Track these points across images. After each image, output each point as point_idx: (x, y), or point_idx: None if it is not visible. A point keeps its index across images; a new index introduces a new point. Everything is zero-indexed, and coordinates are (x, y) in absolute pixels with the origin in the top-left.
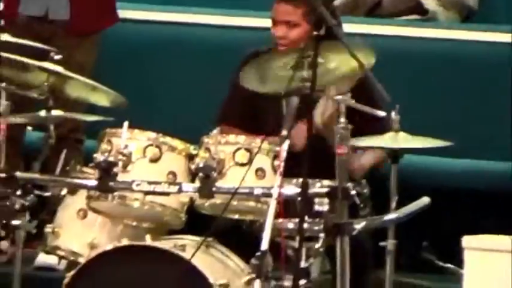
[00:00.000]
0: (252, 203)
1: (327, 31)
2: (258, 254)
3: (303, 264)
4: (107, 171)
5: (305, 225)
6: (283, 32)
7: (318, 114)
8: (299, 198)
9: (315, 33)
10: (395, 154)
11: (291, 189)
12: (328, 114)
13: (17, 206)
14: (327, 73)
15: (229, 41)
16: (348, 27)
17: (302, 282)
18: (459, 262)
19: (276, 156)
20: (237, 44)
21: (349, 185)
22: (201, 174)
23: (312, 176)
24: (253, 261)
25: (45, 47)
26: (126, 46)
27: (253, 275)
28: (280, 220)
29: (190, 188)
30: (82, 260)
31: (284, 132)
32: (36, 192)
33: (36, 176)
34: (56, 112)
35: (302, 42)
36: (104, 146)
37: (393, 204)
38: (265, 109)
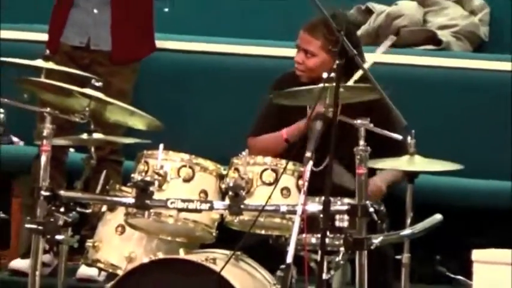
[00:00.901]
0: (277, 220)
1: (348, 61)
2: (283, 266)
3: (324, 276)
4: (143, 190)
5: (327, 240)
6: (301, 58)
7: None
8: (321, 215)
9: (337, 62)
10: (411, 175)
11: (314, 206)
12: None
13: (61, 222)
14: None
15: (255, 69)
16: (368, 56)
17: None
18: (469, 274)
19: (300, 176)
20: (262, 71)
21: (368, 203)
22: (230, 192)
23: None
24: (278, 273)
25: (87, 74)
26: (162, 74)
27: (279, 286)
28: (304, 235)
29: (221, 205)
30: (120, 272)
31: (308, 154)
32: (78, 209)
33: (78, 194)
34: (96, 135)
35: (321, 71)
36: (141, 166)
37: (408, 221)
38: (293, 117)
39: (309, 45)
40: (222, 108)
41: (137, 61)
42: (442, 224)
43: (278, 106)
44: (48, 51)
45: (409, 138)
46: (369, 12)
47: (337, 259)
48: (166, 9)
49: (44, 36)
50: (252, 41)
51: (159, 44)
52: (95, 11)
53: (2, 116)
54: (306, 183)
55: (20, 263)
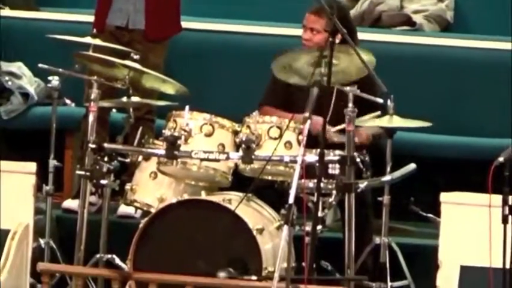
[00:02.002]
0: (281, 168)
1: (341, 39)
2: (286, 206)
3: (319, 214)
4: (172, 143)
5: (322, 185)
6: (309, 36)
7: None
8: (317, 164)
9: (330, 39)
10: (390, 131)
11: (311, 157)
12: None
13: (105, 169)
14: (340, 71)
15: (266, 45)
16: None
17: (319, 227)
18: (438, 213)
19: (300, 133)
20: (272, 47)
21: (355, 154)
22: (243, 145)
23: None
24: (282, 211)
25: (127, 49)
26: (188, 49)
27: (282, 222)
28: (303, 180)
29: (236, 156)
30: (153, 210)
31: (306, 114)
32: (119, 159)
33: (119, 146)
34: (134, 98)
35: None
36: (171, 124)
37: (388, 169)
38: (296, 94)
39: (315, 24)
40: (237, 77)
41: (167, 39)
42: (416, 171)
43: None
44: (95, 31)
45: (389, 101)
46: None
47: (330, 200)
48: None
49: (91, 18)
50: (262, 22)
51: (185, 24)
52: None
53: (57, 82)
54: (305, 138)
55: (71, 203)
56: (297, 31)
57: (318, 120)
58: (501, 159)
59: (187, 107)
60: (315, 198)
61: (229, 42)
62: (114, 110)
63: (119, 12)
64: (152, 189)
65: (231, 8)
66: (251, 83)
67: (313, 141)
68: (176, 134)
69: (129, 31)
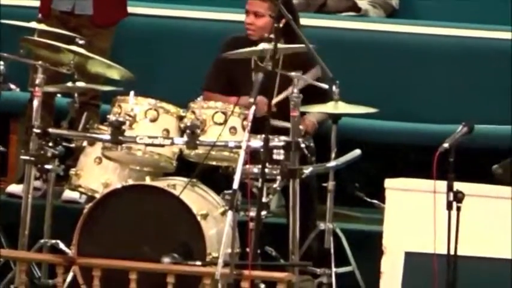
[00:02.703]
0: (226, 153)
1: (285, 24)
2: (231, 191)
3: (264, 199)
4: (117, 128)
5: (266, 170)
6: (252, 20)
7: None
8: (262, 150)
9: (275, 25)
10: (335, 117)
11: (256, 142)
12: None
13: (49, 154)
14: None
15: (211, 31)
16: (301, 21)
17: (263, 213)
18: (383, 199)
19: (245, 118)
20: (217, 33)
21: (300, 140)
22: (188, 131)
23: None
24: (226, 197)
25: (73, 34)
26: (134, 34)
27: (227, 207)
28: (248, 166)
29: (180, 141)
30: (98, 195)
31: (251, 100)
32: (64, 144)
33: (64, 131)
34: (79, 83)
35: (266, 32)
36: (116, 109)
37: (333, 155)
38: (238, 80)
39: (258, 7)
40: (182, 62)
41: (114, 24)
42: (361, 157)
43: (225, 62)
44: (40, 15)
45: (334, 87)
46: None
47: (274, 186)
48: None
49: (37, 3)
50: (207, 7)
51: (131, 9)
52: None
53: (2, 67)
54: (249, 124)
55: (15, 188)
56: (242, 16)
57: (263, 100)
58: (446, 145)
59: (132, 92)
60: (259, 184)
61: (174, 27)
62: (59, 95)
63: None
64: (97, 175)
65: None
66: (196, 68)
67: (258, 126)
68: (121, 119)
69: (76, 16)
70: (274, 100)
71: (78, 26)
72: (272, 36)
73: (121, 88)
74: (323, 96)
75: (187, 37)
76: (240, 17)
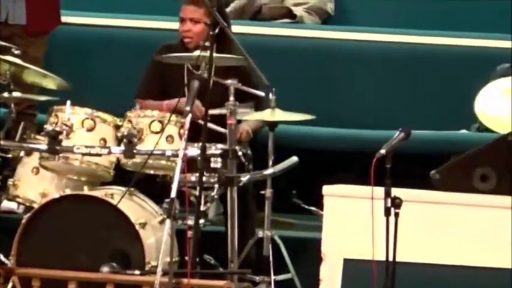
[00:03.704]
0: (163, 162)
1: (220, 31)
2: (168, 200)
3: (202, 207)
4: (54, 138)
5: (204, 178)
6: (189, 27)
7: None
8: (199, 158)
9: (211, 33)
10: (272, 125)
11: (193, 151)
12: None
13: None
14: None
15: (145, 39)
16: (236, 29)
17: (201, 221)
18: (321, 206)
19: (181, 126)
20: (151, 41)
21: (237, 147)
22: (125, 140)
23: (209, 140)
24: (164, 205)
25: (7, 44)
26: (68, 44)
27: (165, 216)
28: (185, 174)
29: (117, 150)
30: (36, 205)
31: (187, 108)
32: (1, 154)
33: (1, 142)
34: (15, 93)
35: (202, 39)
36: (52, 119)
37: (270, 162)
38: (171, 86)
39: (194, 13)
40: (117, 71)
41: (47, 33)
42: (298, 164)
43: (159, 69)
44: None
45: (270, 94)
46: None
47: (212, 194)
48: None
49: None
50: (139, 16)
51: (64, 19)
52: None
53: None
54: (186, 132)
55: None
56: (175, 24)
57: (199, 106)
58: (383, 151)
59: (68, 102)
60: (197, 192)
61: (107, 36)
62: None
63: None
64: (34, 185)
65: (109, 2)
66: (131, 77)
67: (195, 134)
68: (58, 128)
69: (8, 25)
70: (214, 111)
71: (11, 35)
72: (207, 43)
73: (57, 98)
74: (259, 104)
75: (122, 46)
76: (173, 25)
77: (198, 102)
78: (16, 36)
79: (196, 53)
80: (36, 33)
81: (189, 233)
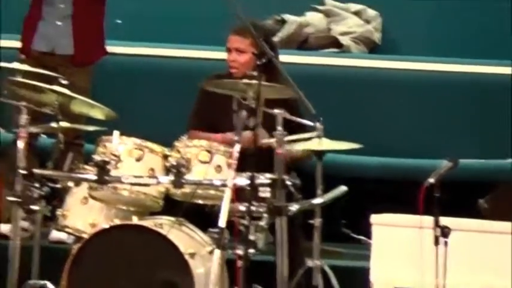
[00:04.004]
0: (212, 191)
1: (267, 61)
2: (218, 229)
3: (251, 237)
4: (102, 168)
5: (253, 208)
6: (234, 57)
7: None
8: (248, 187)
9: (258, 62)
10: (319, 154)
11: (242, 180)
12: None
13: (36, 195)
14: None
15: (193, 68)
16: (283, 58)
17: (251, 251)
18: (369, 235)
19: (230, 156)
20: (199, 71)
21: (286, 177)
22: (173, 169)
23: (258, 170)
24: (214, 235)
25: (54, 74)
26: (117, 73)
27: (214, 246)
28: (234, 204)
29: (166, 180)
30: (85, 236)
31: (236, 138)
32: (50, 184)
33: (50, 172)
34: (63, 123)
35: (249, 69)
36: (100, 149)
37: (319, 191)
38: (222, 117)
39: (240, 44)
40: (165, 101)
41: (93, 64)
42: (347, 193)
43: (208, 99)
44: (21, 56)
45: (317, 124)
46: (283, 21)
47: (261, 223)
48: (119, 21)
49: (17, 44)
50: (188, 45)
51: (111, 49)
52: (58, 23)
53: None
54: (235, 162)
55: (2, 227)
56: (223, 54)
57: (248, 134)
58: (431, 180)
59: (116, 132)
60: (246, 222)
61: (156, 66)
62: (43, 136)
63: (44, 38)
64: (83, 215)
65: (156, 32)
66: (179, 106)
67: (244, 164)
68: (106, 158)
69: (55, 56)
70: (264, 141)
71: (58, 66)
72: (254, 73)
73: (105, 128)
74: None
75: (169, 75)
76: (221, 55)
77: (247, 133)
78: (62, 66)
79: (244, 82)
80: (82, 63)
81: (239, 263)
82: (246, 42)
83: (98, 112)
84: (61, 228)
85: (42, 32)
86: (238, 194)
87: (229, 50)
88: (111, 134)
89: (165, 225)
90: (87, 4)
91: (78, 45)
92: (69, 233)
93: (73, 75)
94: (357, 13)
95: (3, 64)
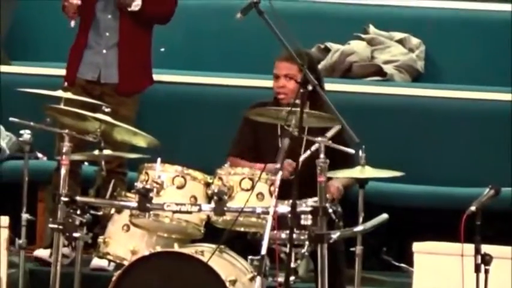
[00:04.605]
0: (254, 219)
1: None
2: (259, 257)
3: (292, 265)
4: (145, 195)
5: (294, 235)
6: (283, 83)
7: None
8: (289, 215)
9: (302, 90)
10: (362, 182)
11: (283, 208)
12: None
13: (77, 222)
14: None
15: (236, 96)
16: (327, 86)
17: (292, 278)
18: (411, 262)
19: (272, 184)
20: (241, 99)
21: (327, 205)
22: (215, 197)
23: (300, 197)
24: (255, 262)
25: (98, 102)
26: (159, 101)
27: (255, 273)
28: (275, 231)
29: (208, 208)
30: (126, 263)
31: (278, 166)
32: (92, 211)
33: (92, 199)
34: (106, 151)
35: (293, 94)
36: (143, 176)
37: (360, 219)
38: (264, 145)
39: (289, 70)
40: (208, 128)
41: (138, 93)
42: (388, 221)
43: (251, 127)
44: (66, 84)
45: (360, 152)
46: (327, 50)
47: (302, 251)
48: (162, 49)
49: (62, 72)
50: (231, 74)
51: (156, 77)
52: (104, 51)
53: (29, 136)
54: (277, 189)
55: (42, 252)
56: (265, 82)
57: (289, 161)
58: (473, 208)
59: (159, 160)
60: (287, 249)
61: (198, 94)
62: (85, 163)
63: (90, 66)
64: (125, 242)
65: (199, 60)
66: (222, 134)
67: (285, 191)
68: (148, 186)
69: (100, 85)
70: (301, 157)
71: (103, 94)
72: (298, 101)
73: (147, 155)
74: (349, 161)
75: (212, 103)
76: (263, 82)
77: (289, 161)
78: (107, 95)
79: (286, 110)
80: (127, 92)
81: None
82: (295, 69)
83: (141, 140)
84: (102, 256)
85: (88, 60)
86: (280, 221)
87: (277, 77)
88: (153, 161)
89: (206, 253)
90: (133, 33)
91: (123, 75)
92: (110, 260)
93: (118, 103)
94: (400, 41)
95: (48, 92)
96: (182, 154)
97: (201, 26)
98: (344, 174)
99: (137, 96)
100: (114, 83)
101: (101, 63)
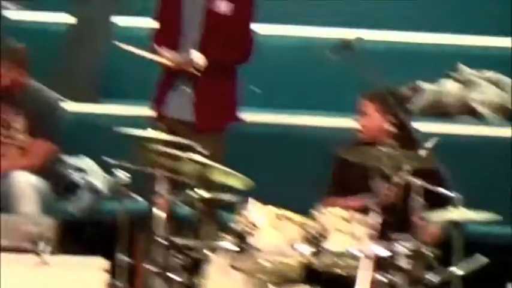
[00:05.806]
0: (351, 261)
1: (402, 129)
2: None
3: None
4: (241, 237)
5: (391, 277)
6: (362, 122)
7: None
8: (387, 258)
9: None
10: (458, 224)
11: (381, 250)
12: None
13: (174, 264)
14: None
15: (330, 137)
16: (420, 126)
17: None
18: None
19: (368, 225)
20: (335, 139)
21: (425, 247)
22: (312, 239)
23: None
24: None
25: (190, 142)
26: (250, 140)
27: None
28: (372, 273)
29: (305, 250)
30: None
31: (373, 206)
32: (188, 253)
33: (188, 241)
34: (200, 192)
35: (375, 133)
36: (239, 218)
37: (457, 262)
38: (357, 185)
39: (364, 107)
40: (299, 168)
41: (219, 131)
42: (486, 263)
43: (343, 167)
44: (156, 123)
45: (456, 193)
46: (415, 89)
47: None
48: (258, 91)
49: (146, 111)
50: (318, 111)
51: (244, 116)
52: (187, 90)
53: (126, 177)
54: (373, 232)
55: None
56: (342, 121)
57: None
58: None
59: (253, 201)
60: None
61: (289, 133)
62: (180, 204)
63: (172, 105)
64: (223, 284)
65: (287, 98)
66: (315, 175)
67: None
68: (245, 228)
69: (182, 123)
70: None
71: (190, 133)
72: (390, 141)
73: (242, 196)
74: (444, 203)
75: (308, 143)
76: (344, 122)
77: None
78: (193, 134)
79: (381, 151)
80: (203, 130)
81: None
82: (371, 106)
83: (235, 181)
84: None
85: (172, 98)
86: (377, 263)
87: (361, 114)
88: (247, 202)
89: None
90: (211, 71)
91: (199, 112)
92: None
93: (200, 142)
94: (492, 80)
95: (140, 132)
96: (277, 195)
97: (290, 63)
98: (441, 217)
99: (220, 135)
100: (190, 120)
101: (181, 102)
